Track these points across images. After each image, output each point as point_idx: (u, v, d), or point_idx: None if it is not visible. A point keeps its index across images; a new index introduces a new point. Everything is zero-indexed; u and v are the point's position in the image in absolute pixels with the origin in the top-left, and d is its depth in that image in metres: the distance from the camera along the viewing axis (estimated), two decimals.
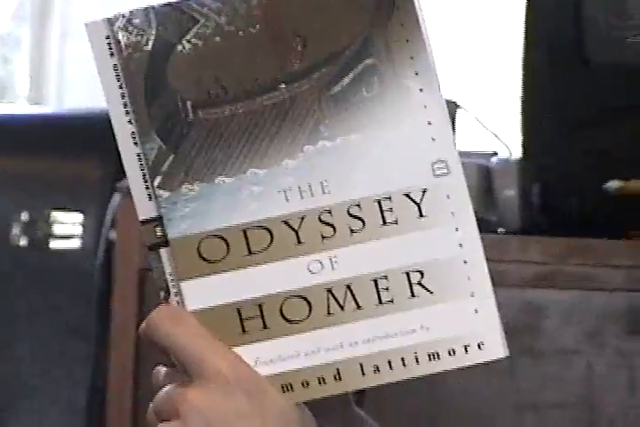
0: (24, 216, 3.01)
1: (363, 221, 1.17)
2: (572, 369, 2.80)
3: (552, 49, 3.12)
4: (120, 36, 1.20)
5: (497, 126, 3.16)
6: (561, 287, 2.74)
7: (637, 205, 2.98)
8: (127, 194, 2.65)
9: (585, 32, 3.13)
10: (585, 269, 2.76)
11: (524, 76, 2.90)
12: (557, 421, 2.82)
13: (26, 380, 2.86)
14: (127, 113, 1.21)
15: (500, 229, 2.83)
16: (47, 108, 4.36)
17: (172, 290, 1.18)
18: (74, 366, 2.84)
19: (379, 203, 1.17)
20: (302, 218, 1.16)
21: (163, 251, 1.19)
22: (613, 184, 2.66)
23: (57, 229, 3.07)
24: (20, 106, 4.74)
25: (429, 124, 1.16)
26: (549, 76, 2.89)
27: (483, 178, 3.06)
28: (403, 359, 1.17)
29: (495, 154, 3.12)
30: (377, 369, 1.17)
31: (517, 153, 3.07)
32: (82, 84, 4.53)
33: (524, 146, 2.86)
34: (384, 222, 1.16)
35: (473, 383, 2.86)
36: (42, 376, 2.85)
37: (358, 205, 1.17)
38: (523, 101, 2.86)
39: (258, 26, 1.18)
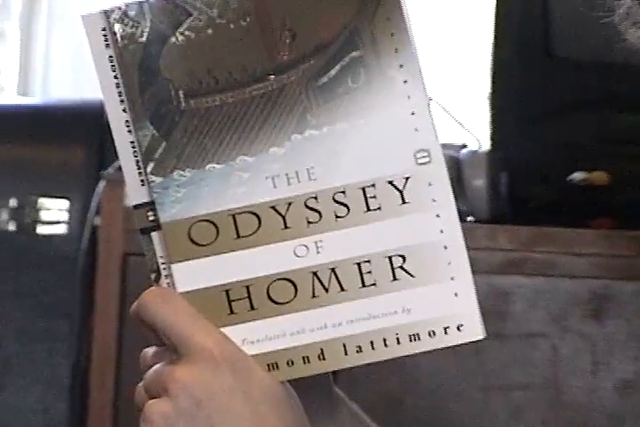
0: (12, 202, 3.02)
1: (347, 208, 1.17)
2: (537, 352, 2.83)
3: (519, 44, 3.15)
4: (116, 27, 1.20)
5: (466, 119, 3.19)
6: (527, 274, 2.78)
7: (600, 196, 3.00)
8: (111, 182, 2.66)
9: (551, 27, 3.15)
10: (550, 256, 2.79)
11: (493, 70, 2.92)
12: (523, 401, 2.85)
13: (11, 358, 2.89)
14: (122, 102, 1.20)
15: (469, 218, 2.85)
16: (34, 100, 4.35)
17: (163, 272, 1.18)
18: (58, 345, 2.87)
19: (363, 190, 1.17)
20: (289, 204, 1.16)
21: (154, 234, 1.19)
22: (578, 175, 2.68)
23: (44, 215, 3.09)
24: (6, 97, 4.72)
25: (413, 114, 1.17)
26: (517, 70, 2.91)
27: (452, 169, 3.07)
28: (385, 340, 1.17)
29: (465, 146, 3.15)
30: (359, 349, 1.18)
31: (486, 145, 3.10)
32: (67, 76, 4.53)
33: (492, 138, 2.89)
34: (368, 209, 1.17)
35: (442, 365, 2.89)
36: (27, 355, 2.87)
37: (343, 192, 1.17)
38: (491, 95, 2.87)
39: (248, 19, 1.17)
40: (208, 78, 1.18)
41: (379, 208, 1.17)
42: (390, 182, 1.17)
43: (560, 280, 2.79)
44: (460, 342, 1.20)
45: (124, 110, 1.20)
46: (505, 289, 2.71)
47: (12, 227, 3.13)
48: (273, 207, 1.17)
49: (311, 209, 1.17)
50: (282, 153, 1.17)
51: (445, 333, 1.18)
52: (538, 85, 3.06)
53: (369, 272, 1.18)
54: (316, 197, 1.17)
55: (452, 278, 1.20)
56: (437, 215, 1.18)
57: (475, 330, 1.19)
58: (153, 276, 1.19)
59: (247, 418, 1.19)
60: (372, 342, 1.18)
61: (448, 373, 2.92)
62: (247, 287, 1.17)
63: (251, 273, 1.18)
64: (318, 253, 1.17)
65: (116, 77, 1.20)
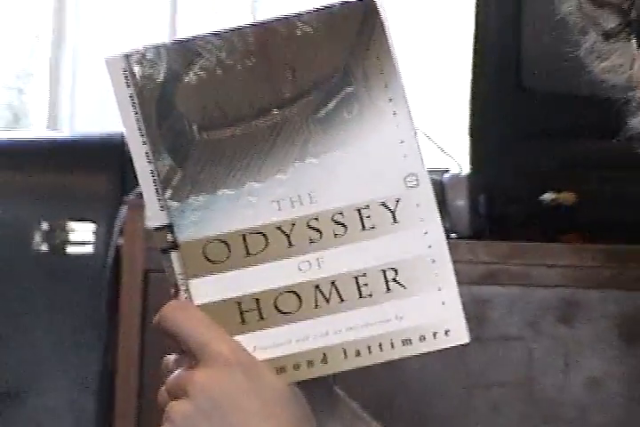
0: (44, 226, 3.04)
1: (345, 227, 1.19)
2: (514, 353, 2.92)
3: (494, 77, 3.19)
4: (135, 69, 1.21)
5: (448, 146, 3.24)
6: (504, 284, 2.85)
7: (568, 214, 3.09)
8: (132, 206, 2.69)
9: (523, 62, 3.18)
10: (524, 268, 2.86)
11: (471, 101, 2.97)
12: (501, 398, 2.90)
13: (46, 365, 2.93)
14: (141, 135, 1.21)
15: (452, 235, 2.92)
16: (62, 133, 4.41)
17: (182, 287, 1.19)
18: (87, 353, 2.92)
19: (359, 211, 1.18)
20: (293, 224, 1.18)
21: (173, 254, 1.20)
22: (547, 196, 2.75)
23: (72, 237, 3.13)
24: (37, 131, 4.76)
25: (401, 142, 1.18)
26: (492, 101, 2.96)
27: (436, 191, 3.07)
28: (380, 345, 1.19)
29: (447, 171, 3.23)
30: (358, 353, 1.19)
31: (466, 169, 3.17)
32: (92, 112, 4.56)
33: (472, 163, 2.95)
34: (363, 228, 1.18)
35: (428, 366, 2.94)
36: (59, 362, 2.93)
37: (341, 213, 1.18)
38: (470, 124, 2.91)
39: (253, 59, 1.19)
40: (219, 113, 1.19)
41: (373, 227, 1.18)
42: (383, 204, 1.18)
43: (533, 289, 2.86)
44: (447, 346, 1.21)
45: (143, 143, 1.20)
46: (484, 298, 2.77)
47: (44, 248, 3.11)
48: (278, 228, 1.18)
49: (312, 229, 1.19)
50: (285, 179, 1.18)
51: (434, 337, 1.19)
52: (511, 115, 3.09)
53: (365, 284, 1.19)
54: (316, 218, 1.18)
55: (440, 289, 1.21)
56: (425, 232, 1.20)
57: (460, 335, 1.21)
58: (172, 290, 1.20)
59: (259, 415, 1.19)
60: (369, 347, 1.19)
61: (434, 373, 2.99)
62: (257, 300, 1.18)
63: (260, 287, 1.18)
64: (319, 268, 1.18)
65: (136, 113, 1.21)
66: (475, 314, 2.69)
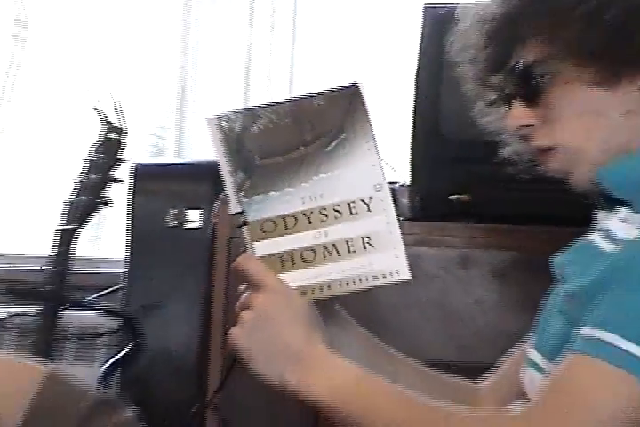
0: (172, 211, 3.10)
1: (341, 213, 1.34)
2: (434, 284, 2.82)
3: (421, 123, 3.14)
4: (223, 124, 1.36)
5: (397, 167, 3.22)
6: (429, 246, 2.73)
7: (464, 207, 3.04)
8: (222, 201, 2.75)
9: (441, 115, 3.17)
10: (441, 237, 2.76)
11: (412, 139, 2.89)
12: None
13: (172, 291, 2.99)
14: (227, 161, 1.34)
15: (400, 218, 2.92)
16: (185, 159, 4.50)
17: (249, 247, 1.34)
18: (196, 286, 2.98)
19: (349, 204, 1.33)
20: (311, 212, 1.32)
21: (244, 228, 1.35)
22: (456, 197, 2.74)
23: (189, 217, 3.19)
24: (169, 159, 4.75)
25: (373, 165, 1.33)
26: (424, 141, 2.90)
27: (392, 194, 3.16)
28: (360, 279, 1.33)
29: (396, 182, 3.19)
30: (347, 284, 1.32)
31: (407, 181, 3.13)
32: (201, 145, 4.52)
33: (412, 177, 2.92)
34: (351, 213, 1.33)
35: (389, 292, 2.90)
36: (180, 290, 2.98)
37: (339, 205, 1.33)
38: (411, 153, 2.88)
39: (290, 119, 1.33)
40: (270, 149, 1.34)
41: (357, 213, 1.33)
42: (362, 200, 1.33)
43: (444, 249, 2.77)
44: (398, 281, 1.35)
45: (227, 165, 1.34)
46: (417, 254, 2.65)
47: (172, 224, 3.15)
48: (304, 213, 1.33)
49: (323, 214, 1.33)
50: (308, 186, 1.32)
51: (391, 276, 1.34)
52: (432, 150, 3.09)
53: (352, 246, 1.33)
54: (325, 208, 1.33)
55: (394, 248, 1.36)
56: (386, 216, 1.34)
57: (406, 275, 1.35)
58: (243, 249, 1.35)
59: (291, 319, 1.28)
60: (354, 280, 1.33)
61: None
62: (291, 254, 1.33)
63: (292, 246, 1.34)
64: (326, 236, 1.33)
65: (223, 149, 1.35)
66: (410, 263, 2.58)
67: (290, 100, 1.40)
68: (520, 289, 3.00)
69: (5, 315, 3.11)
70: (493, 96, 1.41)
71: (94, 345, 3.23)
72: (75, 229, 2.45)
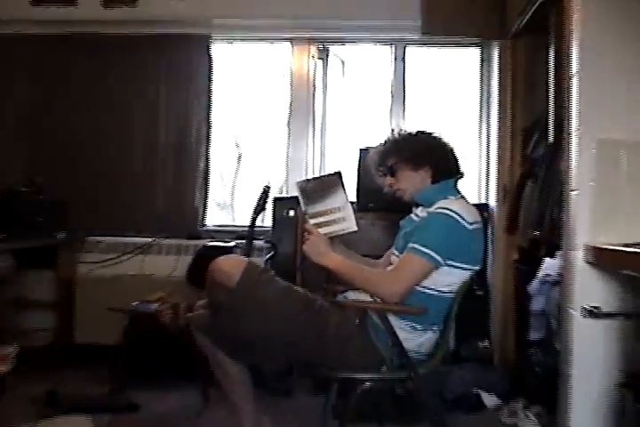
0: (287, 211, 5.02)
1: (332, 211, 2.95)
2: None
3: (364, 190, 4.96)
4: (302, 185, 3.01)
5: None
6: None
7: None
8: (300, 208, 4.29)
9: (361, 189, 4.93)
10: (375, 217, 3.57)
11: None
12: None
13: (281, 240, 3.35)
14: (301, 196, 3.01)
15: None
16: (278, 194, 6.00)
17: (308, 221, 2.97)
18: (292, 239, 3.27)
19: (337, 208, 2.95)
20: (324, 211, 2.95)
21: (306, 216, 2.98)
22: (386, 190, 3.35)
23: (291, 213, 5.14)
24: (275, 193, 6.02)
25: (346, 200, 2.96)
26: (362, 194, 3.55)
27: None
28: (342, 230, 2.94)
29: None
30: (337, 232, 2.96)
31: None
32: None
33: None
34: (338, 211, 2.94)
35: None
36: (285, 241, 3.27)
37: (333, 208, 2.94)
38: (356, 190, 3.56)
39: (317, 182, 2.97)
40: (311, 192, 2.97)
41: (341, 210, 2.93)
42: (342, 206, 2.95)
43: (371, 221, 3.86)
44: (353, 231, 2.99)
45: (301, 196, 3.01)
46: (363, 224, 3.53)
47: (286, 215, 5.10)
48: (321, 211, 2.95)
49: (330, 211, 2.95)
50: (322, 204, 2.94)
51: (351, 228, 2.97)
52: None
53: (338, 218, 2.93)
54: (328, 209, 2.95)
55: (350, 220, 2.95)
56: (348, 208, 2.94)
57: (355, 229, 2.97)
58: (306, 222, 3.00)
59: (322, 243, 2.96)
60: (339, 231, 2.95)
61: None
62: (319, 224, 2.94)
63: (319, 221, 2.94)
64: (329, 217, 2.96)
65: (300, 191, 2.98)
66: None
67: (321, 177, 3.00)
68: (390, 230, 3.91)
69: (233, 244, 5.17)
70: (381, 175, 3.19)
71: (260, 252, 5.25)
72: (255, 217, 4.42)
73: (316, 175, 3.24)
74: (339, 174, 3.00)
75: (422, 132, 3.20)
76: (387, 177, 3.17)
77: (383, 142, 3.21)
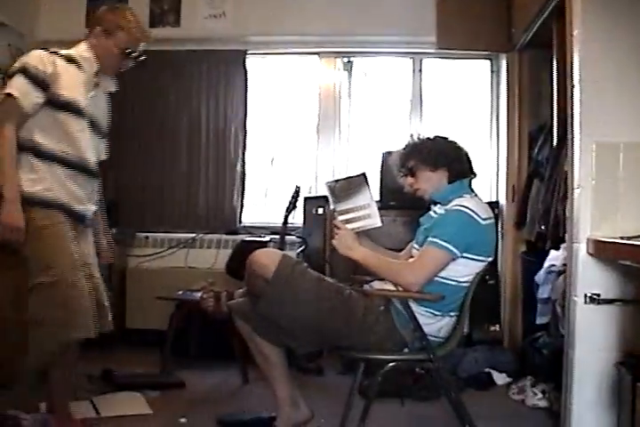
0: (316, 208, 5.04)
1: (358, 209, 2.99)
2: None
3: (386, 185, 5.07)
4: (330, 184, 3.04)
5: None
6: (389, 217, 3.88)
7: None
8: (329, 206, 3.72)
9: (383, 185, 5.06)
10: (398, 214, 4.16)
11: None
12: None
13: (311, 235, 3.51)
14: (330, 195, 3.05)
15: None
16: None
17: (337, 217, 3.02)
18: (321, 232, 3.49)
19: (362, 206, 2.98)
20: (352, 208, 2.98)
21: (335, 213, 3.04)
22: (406, 189, 3.24)
23: (319, 211, 5.25)
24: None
25: (371, 197, 3.01)
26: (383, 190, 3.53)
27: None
28: (366, 225, 2.99)
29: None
30: (364, 227, 2.98)
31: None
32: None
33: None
34: (363, 208, 2.97)
35: None
36: (315, 235, 3.39)
37: (361, 205, 2.98)
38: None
39: (344, 182, 3.00)
40: (340, 192, 3.01)
41: (367, 208, 2.97)
42: (367, 204, 3.00)
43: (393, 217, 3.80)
44: (378, 226, 3.02)
45: (330, 195, 3.05)
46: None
47: (315, 213, 5.21)
48: (350, 209, 2.99)
49: (358, 208, 2.98)
50: (350, 201, 3.00)
51: (376, 224, 3.00)
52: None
53: (364, 215, 2.97)
54: (358, 206, 2.97)
55: (376, 216, 2.99)
56: (373, 206, 2.99)
57: (379, 224, 3.01)
58: (335, 218, 3.06)
59: (349, 237, 3.02)
60: (364, 226, 2.99)
61: None
62: (348, 220, 3.00)
63: (347, 217, 2.99)
64: (355, 214, 3.01)
65: (330, 193, 3.02)
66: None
67: (348, 178, 3.01)
68: (410, 225, 4.39)
69: (268, 239, 5.17)
70: (402, 176, 3.21)
71: (292, 246, 5.27)
72: (287, 215, 4.63)
73: (343, 176, 3.15)
74: (364, 175, 3.03)
75: (439, 137, 3.23)
76: (407, 178, 3.19)
77: (404, 146, 3.24)
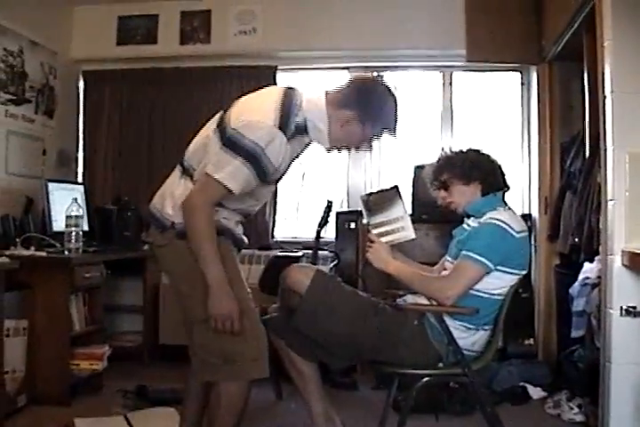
0: (348, 222, 5.00)
1: (394, 221, 3.00)
2: None
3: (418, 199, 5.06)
4: (364, 198, 3.04)
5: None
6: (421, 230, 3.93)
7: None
8: (361, 220, 4.41)
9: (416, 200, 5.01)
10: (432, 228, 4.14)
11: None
12: None
13: (344, 250, 3.45)
14: (364, 208, 3.02)
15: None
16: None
17: (372, 231, 3.02)
18: (353, 245, 3.40)
19: (397, 218, 3.00)
20: (385, 222, 3.00)
21: (369, 227, 3.03)
22: (439, 202, 3.29)
23: (352, 226, 4.12)
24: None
25: (405, 211, 3.03)
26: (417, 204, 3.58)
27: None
28: (400, 238, 2.99)
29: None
30: (397, 240, 3.00)
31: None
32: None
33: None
34: (399, 220, 2.98)
35: None
36: (349, 249, 3.33)
37: (397, 217, 2.99)
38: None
39: (378, 196, 3.01)
40: (374, 206, 3.00)
41: (400, 220, 2.99)
42: (401, 217, 3.01)
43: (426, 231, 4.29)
44: (412, 238, 3.03)
45: (365, 208, 3.03)
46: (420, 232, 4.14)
47: (348, 226, 5.20)
48: (383, 221, 3.01)
49: (393, 220, 2.99)
50: (384, 215, 2.99)
51: (409, 237, 3.02)
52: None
53: (400, 227, 2.99)
54: (394, 218, 2.97)
55: (409, 228, 3.02)
56: (407, 219, 3.01)
57: (413, 236, 3.02)
58: (369, 231, 3.04)
59: (384, 251, 3.03)
60: (399, 239, 3.01)
61: None
62: (381, 233, 3.00)
63: (380, 231, 3.00)
64: (389, 226, 3.01)
65: (363, 204, 3.01)
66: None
67: (381, 191, 3.02)
68: (442, 239, 4.46)
69: (301, 254, 5.11)
70: (435, 189, 3.19)
71: (325, 261, 5.28)
72: (320, 230, 4.63)
73: (376, 190, 3.17)
74: (397, 188, 3.05)
75: (472, 150, 3.21)
76: (440, 191, 3.19)
77: (437, 159, 3.24)
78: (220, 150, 2.59)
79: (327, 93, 2.78)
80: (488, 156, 3.21)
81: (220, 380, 2.69)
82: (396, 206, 3.01)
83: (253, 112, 2.66)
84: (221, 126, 2.67)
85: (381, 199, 3.04)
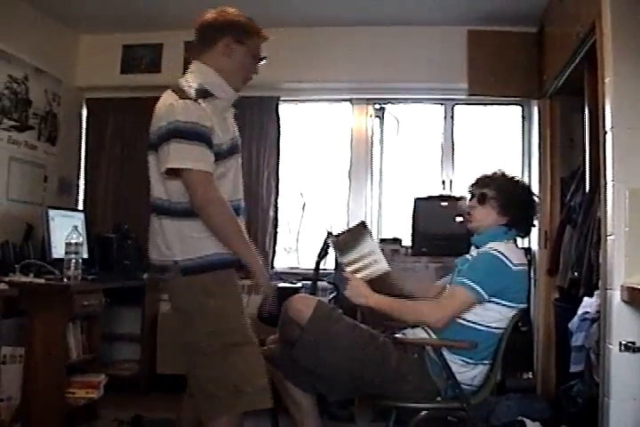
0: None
1: (364, 256, 3.03)
2: None
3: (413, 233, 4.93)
4: (332, 241, 3.09)
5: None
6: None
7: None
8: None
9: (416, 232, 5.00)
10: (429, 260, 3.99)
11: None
12: None
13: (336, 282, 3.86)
14: (336, 251, 3.07)
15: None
16: None
17: (346, 269, 3.03)
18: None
19: (370, 252, 3.04)
20: (357, 258, 3.01)
21: (342, 265, 3.06)
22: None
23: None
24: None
25: (375, 245, 3.10)
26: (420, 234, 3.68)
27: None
28: (375, 272, 3.02)
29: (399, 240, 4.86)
30: (372, 274, 2.99)
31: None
32: None
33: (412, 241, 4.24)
34: (371, 254, 3.02)
35: None
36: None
37: (368, 252, 3.03)
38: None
39: (347, 235, 3.06)
40: (342, 245, 3.02)
41: (372, 254, 3.04)
42: (372, 251, 3.06)
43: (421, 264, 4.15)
44: (387, 270, 3.07)
45: (336, 250, 3.07)
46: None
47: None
48: (355, 259, 3.01)
49: (364, 256, 3.01)
50: (354, 252, 3.01)
51: (383, 268, 3.04)
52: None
53: (373, 261, 3.04)
54: (367, 252, 3.01)
55: (383, 261, 3.07)
56: (377, 253, 3.07)
57: (388, 268, 3.07)
58: (345, 271, 3.04)
59: (361, 286, 3.00)
60: (373, 273, 3.01)
61: None
62: (355, 270, 3.00)
63: (355, 267, 3.00)
64: (362, 262, 3.04)
65: (333, 245, 3.08)
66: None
67: (348, 230, 3.07)
68: (441, 271, 4.34)
69: (300, 285, 5.11)
70: (469, 193, 3.19)
71: (324, 292, 5.23)
72: (319, 261, 4.44)
73: (346, 228, 3.26)
74: (363, 223, 3.11)
75: (528, 188, 3.23)
76: (473, 200, 3.18)
77: (493, 172, 3.22)
78: (164, 148, 2.63)
79: (203, 62, 2.90)
80: (535, 202, 3.20)
81: (231, 413, 2.70)
82: (365, 242, 3.05)
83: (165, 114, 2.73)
84: (151, 145, 2.74)
85: (350, 237, 3.07)
